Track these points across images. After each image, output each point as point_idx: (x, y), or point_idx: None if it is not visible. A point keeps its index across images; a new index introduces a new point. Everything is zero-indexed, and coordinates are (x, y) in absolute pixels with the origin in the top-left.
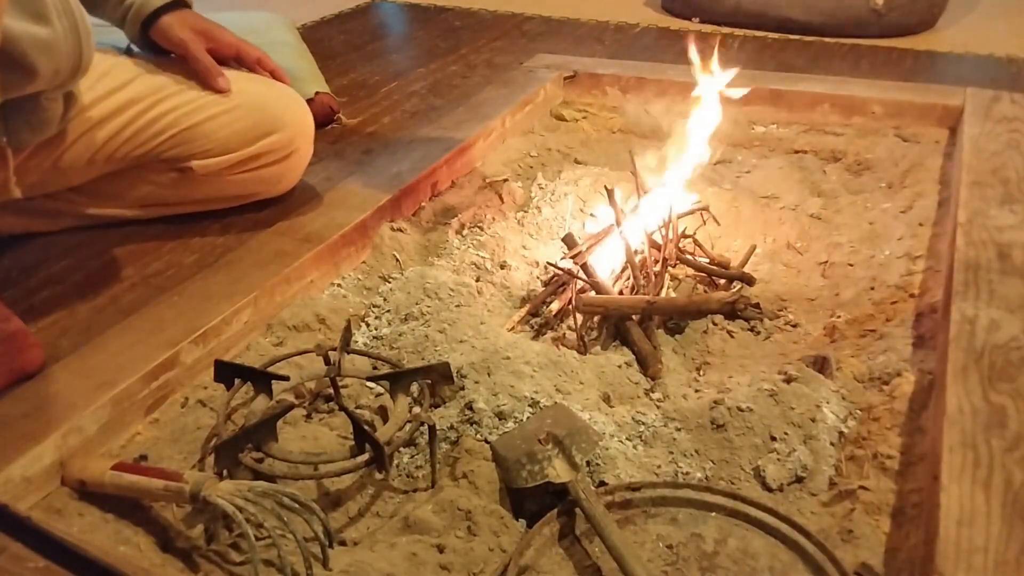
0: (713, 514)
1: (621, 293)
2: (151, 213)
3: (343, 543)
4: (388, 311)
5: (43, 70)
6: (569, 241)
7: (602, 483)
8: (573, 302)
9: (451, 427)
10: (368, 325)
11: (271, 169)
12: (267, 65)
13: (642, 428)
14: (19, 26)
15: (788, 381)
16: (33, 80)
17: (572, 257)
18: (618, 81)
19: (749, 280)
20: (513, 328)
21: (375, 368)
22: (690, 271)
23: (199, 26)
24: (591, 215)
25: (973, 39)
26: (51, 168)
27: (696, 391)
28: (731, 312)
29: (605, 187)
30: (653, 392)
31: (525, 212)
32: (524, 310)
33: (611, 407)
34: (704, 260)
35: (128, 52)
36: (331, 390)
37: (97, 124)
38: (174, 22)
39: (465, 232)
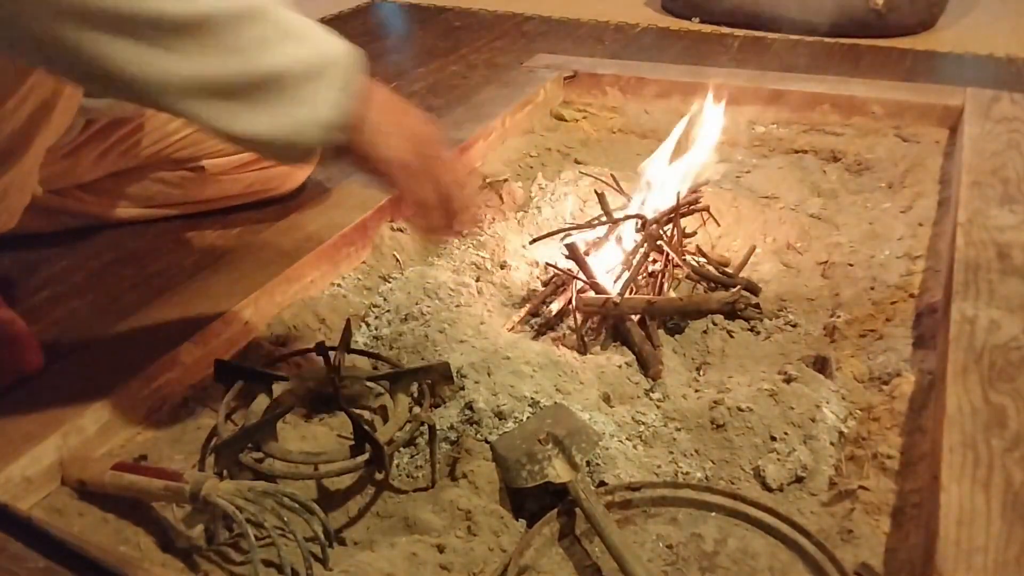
0: (713, 514)
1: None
2: (156, 214)
3: (343, 543)
4: (388, 311)
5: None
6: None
7: (602, 483)
8: (573, 302)
9: (451, 427)
10: (368, 325)
11: (280, 167)
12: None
13: (642, 428)
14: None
15: (788, 381)
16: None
17: (572, 257)
18: (618, 81)
19: (754, 289)
20: (513, 328)
21: (375, 368)
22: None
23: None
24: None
25: (973, 39)
26: (61, 162)
27: (696, 391)
28: (731, 312)
29: (596, 192)
30: (653, 392)
31: (525, 212)
32: (524, 310)
33: (611, 407)
34: (703, 261)
35: None
36: (331, 390)
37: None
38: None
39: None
